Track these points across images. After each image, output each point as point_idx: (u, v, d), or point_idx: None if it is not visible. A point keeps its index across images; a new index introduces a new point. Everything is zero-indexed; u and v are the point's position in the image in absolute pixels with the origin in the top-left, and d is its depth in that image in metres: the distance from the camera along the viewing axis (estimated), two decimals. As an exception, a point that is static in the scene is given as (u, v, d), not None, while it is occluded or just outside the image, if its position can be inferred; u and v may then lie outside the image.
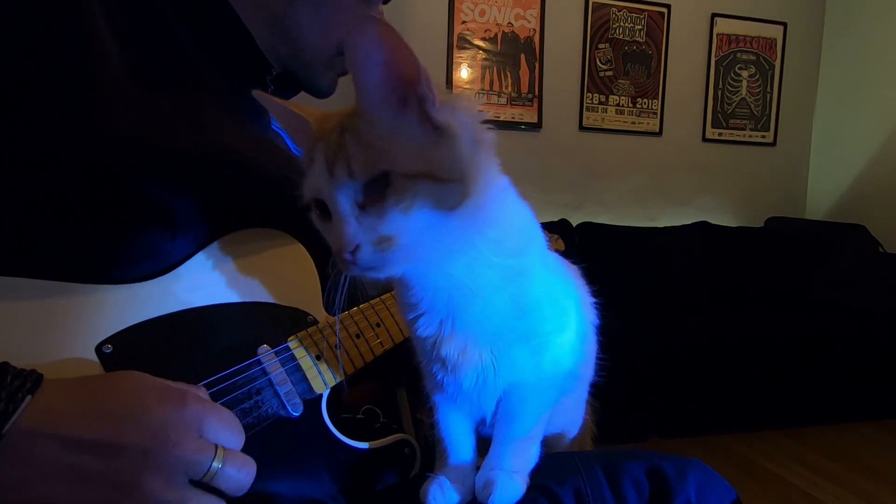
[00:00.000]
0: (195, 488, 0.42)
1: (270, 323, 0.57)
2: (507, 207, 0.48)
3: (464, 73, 2.78)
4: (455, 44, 2.75)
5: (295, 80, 0.72)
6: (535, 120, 2.90)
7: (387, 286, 0.61)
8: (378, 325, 0.63)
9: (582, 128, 2.99)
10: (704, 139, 3.22)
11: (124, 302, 0.50)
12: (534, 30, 2.86)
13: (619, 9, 2.97)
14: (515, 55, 2.85)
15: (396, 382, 0.68)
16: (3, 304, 0.46)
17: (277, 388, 0.54)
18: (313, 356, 0.57)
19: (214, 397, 0.50)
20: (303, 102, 0.53)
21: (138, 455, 0.39)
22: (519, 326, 0.50)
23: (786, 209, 3.37)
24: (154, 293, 0.52)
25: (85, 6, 0.51)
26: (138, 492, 0.39)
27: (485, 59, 2.81)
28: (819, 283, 2.76)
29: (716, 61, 3.18)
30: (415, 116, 0.42)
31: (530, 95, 2.89)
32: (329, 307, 0.60)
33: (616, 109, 3.03)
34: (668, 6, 3.04)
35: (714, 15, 3.14)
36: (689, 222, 2.99)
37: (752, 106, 3.28)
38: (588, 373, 0.63)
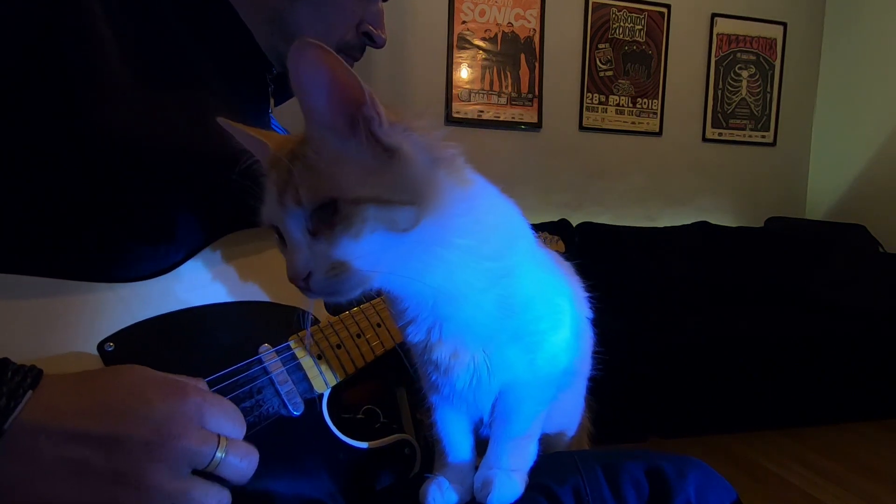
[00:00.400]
0: (199, 478, 0.42)
1: (271, 322, 0.57)
2: (480, 214, 0.47)
3: (464, 73, 2.78)
4: (455, 44, 2.75)
5: None
6: (535, 120, 2.90)
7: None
8: (379, 326, 0.63)
9: (582, 128, 2.99)
10: (704, 139, 3.22)
11: (126, 300, 0.51)
12: (534, 30, 2.86)
13: (619, 9, 2.97)
14: (515, 55, 2.85)
15: (396, 382, 0.68)
16: (5, 302, 0.46)
17: (278, 387, 0.54)
18: (314, 355, 0.57)
19: (215, 396, 0.50)
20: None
21: (141, 448, 0.39)
22: (510, 326, 0.49)
23: (786, 209, 3.37)
24: (155, 292, 0.52)
25: (85, 6, 0.52)
26: (142, 484, 0.39)
27: (485, 59, 2.81)
28: (819, 283, 2.75)
29: (716, 61, 3.18)
30: (363, 139, 0.41)
31: (530, 95, 2.89)
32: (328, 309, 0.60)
33: (616, 109, 3.03)
34: (668, 6, 3.04)
35: (714, 15, 3.14)
36: (689, 222, 2.99)
37: (752, 106, 3.28)
38: (585, 368, 0.62)
